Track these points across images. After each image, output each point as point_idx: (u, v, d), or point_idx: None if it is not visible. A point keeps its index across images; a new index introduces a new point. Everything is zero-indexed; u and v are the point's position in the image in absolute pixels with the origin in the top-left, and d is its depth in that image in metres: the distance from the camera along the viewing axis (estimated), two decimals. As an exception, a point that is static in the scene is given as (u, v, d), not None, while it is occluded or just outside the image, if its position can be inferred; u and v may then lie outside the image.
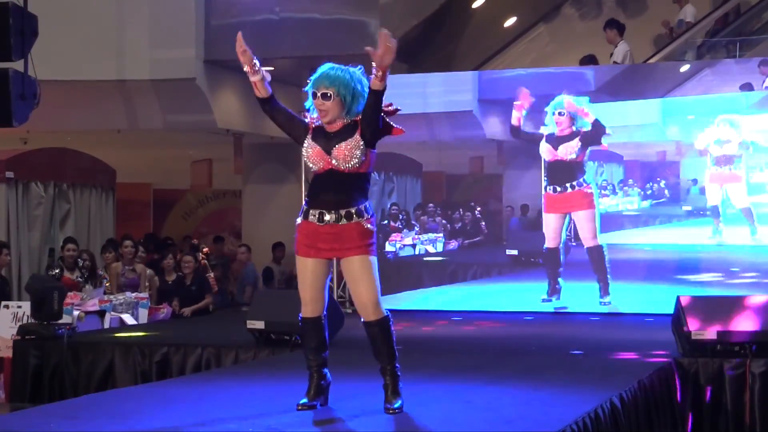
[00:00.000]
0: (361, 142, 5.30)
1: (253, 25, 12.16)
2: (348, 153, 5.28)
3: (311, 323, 5.46)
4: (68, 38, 11.85)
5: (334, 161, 5.30)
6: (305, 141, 5.39)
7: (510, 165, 13.12)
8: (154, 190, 18.70)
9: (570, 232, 10.88)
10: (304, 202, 5.47)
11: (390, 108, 5.35)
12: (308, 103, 5.44)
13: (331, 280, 5.62)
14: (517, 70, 13.29)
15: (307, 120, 5.46)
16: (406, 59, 12.98)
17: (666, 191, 12.42)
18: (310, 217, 5.38)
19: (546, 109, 10.42)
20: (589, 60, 12.39)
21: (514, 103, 10.48)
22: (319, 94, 5.31)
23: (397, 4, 12.37)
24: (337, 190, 5.33)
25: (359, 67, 5.44)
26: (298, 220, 5.45)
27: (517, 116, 10.46)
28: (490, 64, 15.55)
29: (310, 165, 5.39)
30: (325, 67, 5.37)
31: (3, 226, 11.98)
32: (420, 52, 13.34)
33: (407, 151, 12.81)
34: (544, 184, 10.48)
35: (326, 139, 5.34)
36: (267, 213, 14.58)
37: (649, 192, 12.51)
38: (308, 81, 5.38)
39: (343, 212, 5.32)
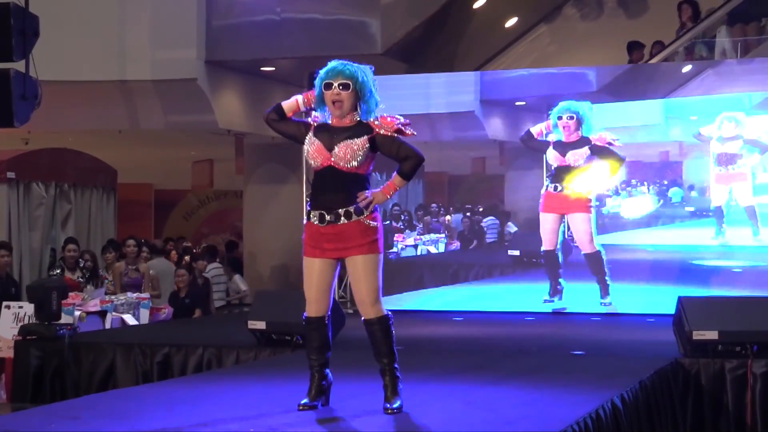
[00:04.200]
0: (367, 145, 5.32)
1: (255, 25, 12.15)
2: (351, 153, 5.29)
3: (315, 323, 5.47)
4: (70, 39, 11.84)
5: (333, 158, 5.31)
6: (307, 137, 5.41)
7: (512, 165, 13.11)
8: (155, 191, 18.74)
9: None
10: (307, 204, 5.48)
11: (408, 131, 5.37)
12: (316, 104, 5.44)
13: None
14: (519, 71, 13.30)
15: (308, 120, 5.48)
16: (408, 60, 12.96)
17: (668, 192, 12.41)
18: (312, 219, 5.40)
19: (550, 113, 10.30)
20: (635, 46, 12.25)
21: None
22: (336, 84, 5.32)
23: (399, 5, 12.34)
24: (336, 188, 5.34)
25: (370, 67, 5.46)
26: (305, 221, 5.47)
27: (540, 129, 10.25)
28: (491, 64, 15.52)
29: (310, 161, 5.40)
30: (337, 62, 5.39)
31: (4, 227, 11.99)
32: (421, 53, 13.30)
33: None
34: (545, 183, 10.37)
35: (330, 134, 5.36)
36: (268, 213, 14.56)
37: (652, 192, 12.50)
38: (316, 76, 5.38)
39: (342, 212, 5.33)
